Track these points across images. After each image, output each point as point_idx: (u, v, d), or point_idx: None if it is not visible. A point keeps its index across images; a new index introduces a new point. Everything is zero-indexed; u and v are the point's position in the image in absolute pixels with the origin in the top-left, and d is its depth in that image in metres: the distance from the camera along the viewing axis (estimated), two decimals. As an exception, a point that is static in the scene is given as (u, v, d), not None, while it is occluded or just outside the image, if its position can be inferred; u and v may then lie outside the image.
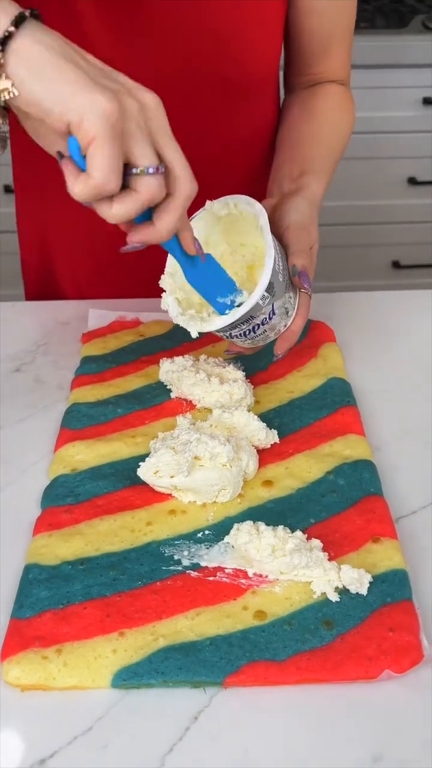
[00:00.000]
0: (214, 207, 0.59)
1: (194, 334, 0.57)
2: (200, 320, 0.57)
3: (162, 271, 0.73)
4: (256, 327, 0.57)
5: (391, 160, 1.91)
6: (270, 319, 0.57)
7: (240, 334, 0.58)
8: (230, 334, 0.58)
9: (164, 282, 0.59)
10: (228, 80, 0.73)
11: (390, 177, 1.93)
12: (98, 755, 0.42)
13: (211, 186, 0.79)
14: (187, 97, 0.73)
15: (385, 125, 1.86)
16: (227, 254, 0.62)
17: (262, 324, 0.57)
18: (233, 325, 0.56)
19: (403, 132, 1.88)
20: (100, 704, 0.44)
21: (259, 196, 0.85)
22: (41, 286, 0.90)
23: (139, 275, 0.84)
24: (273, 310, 0.56)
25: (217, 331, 0.57)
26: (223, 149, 0.79)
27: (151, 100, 0.46)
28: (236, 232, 0.61)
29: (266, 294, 0.55)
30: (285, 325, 0.60)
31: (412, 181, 1.93)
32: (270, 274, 0.54)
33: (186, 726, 0.43)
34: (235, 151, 0.80)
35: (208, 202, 0.59)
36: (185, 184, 0.47)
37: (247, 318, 0.56)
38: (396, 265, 2.02)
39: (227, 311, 0.56)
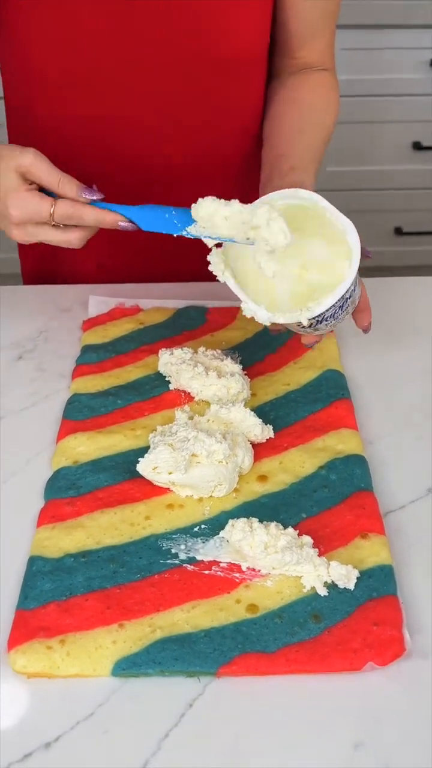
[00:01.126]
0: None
1: (305, 323, 0.57)
2: (302, 310, 0.57)
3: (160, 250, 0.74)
4: (345, 302, 0.58)
5: (396, 124, 1.88)
6: (354, 290, 0.58)
7: (332, 315, 0.58)
8: (324, 316, 0.57)
9: (226, 280, 0.59)
10: (216, 63, 0.73)
11: (394, 142, 1.90)
12: (99, 739, 0.45)
13: (202, 170, 0.80)
14: (175, 80, 0.73)
15: (389, 88, 1.83)
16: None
17: (349, 297, 0.58)
18: (333, 304, 0.56)
19: (409, 95, 1.85)
20: (101, 692, 0.47)
21: (252, 180, 0.85)
22: (37, 261, 0.91)
23: (139, 249, 0.85)
24: (355, 280, 0.58)
25: (321, 313, 0.57)
26: (213, 132, 0.78)
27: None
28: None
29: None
30: (359, 296, 0.61)
31: (417, 146, 1.90)
32: (358, 240, 0.56)
33: (181, 713, 0.46)
34: (225, 134, 0.79)
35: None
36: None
37: (348, 291, 0.56)
38: (398, 231, 2.01)
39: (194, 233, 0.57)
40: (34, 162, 0.60)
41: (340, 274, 0.57)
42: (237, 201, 0.56)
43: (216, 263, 0.59)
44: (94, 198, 0.60)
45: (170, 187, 0.80)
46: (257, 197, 0.77)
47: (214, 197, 0.57)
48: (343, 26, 1.60)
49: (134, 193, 0.80)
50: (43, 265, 0.90)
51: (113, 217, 0.60)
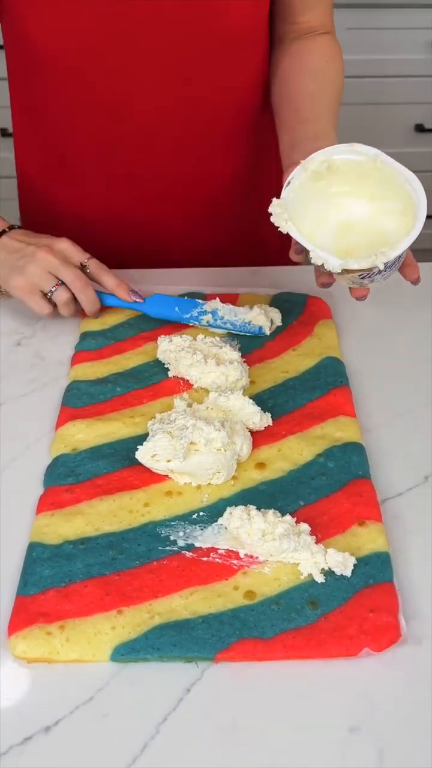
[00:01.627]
0: (310, 165, 0.60)
1: (381, 267, 0.57)
2: (377, 255, 0.57)
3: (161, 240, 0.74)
4: (401, 254, 0.59)
5: (398, 106, 1.86)
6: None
7: (387, 267, 0.58)
8: (384, 266, 0.58)
9: (289, 230, 0.59)
10: (216, 37, 0.73)
11: (396, 124, 1.88)
12: (98, 723, 0.46)
13: (204, 140, 0.79)
14: (176, 55, 0.73)
15: (391, 69, 1.81)
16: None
17: (402, 252, 0.59)
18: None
19: (411, 76, 1.83)
20: (101, 676, 0.48)
21: (252, 145, 0.84)
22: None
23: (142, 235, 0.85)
24: None
25: (397, 256, 0.57)
26: (215, 103, 0.78)
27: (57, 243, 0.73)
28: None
29: None
30: (405, 253, 0.61)
31: (419, 128, 1.89)
32: (422, 189, 0.57)
33: (179, 697, 0.47)
34: (226, 102, 0.79)
35: (302, 162, 0.60)
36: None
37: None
38: (400, 214, 2.00)
39: (197, 322, 0.68)
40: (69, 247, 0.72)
41: (408, 222, 0.57)
42: None
43: (278, 214, 0.59)
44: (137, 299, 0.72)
45: (174, 158, 0.80)
46: (262, 162, 0.78)
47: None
48: (345, 5, 1.58)
49: (138, 165, 0.80)
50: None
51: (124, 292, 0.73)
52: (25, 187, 0.89)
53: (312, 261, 0.59)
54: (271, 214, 0.59)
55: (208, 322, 0.71)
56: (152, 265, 0.85)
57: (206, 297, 0.76)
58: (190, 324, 0.72)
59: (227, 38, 0.73)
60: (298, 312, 0.74)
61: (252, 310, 0.71)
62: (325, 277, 0.63)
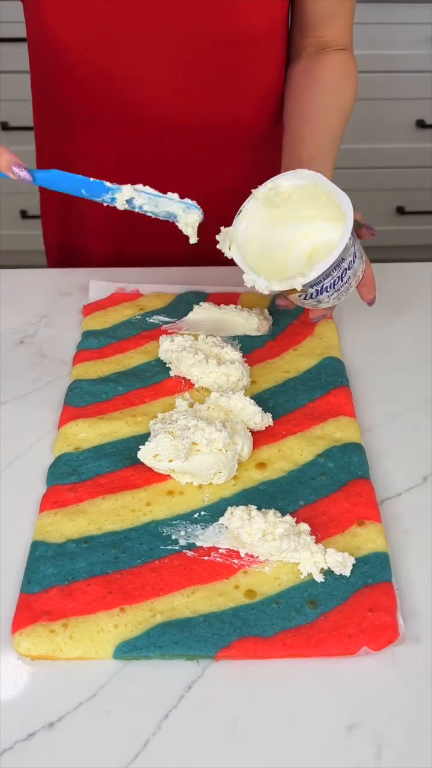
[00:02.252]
0: (260, 193, 0.62)
1: (299, 288, 0.59)
2: (297, 276, 0.58)
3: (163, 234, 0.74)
4: (344, 273, 0.60)
5: (399, 101, 1.86)
6: (354, 262, 0.60)
7: (331, 285, 0.60)
8: (322, 287, 0.59)
9: (233, 254, 0.62)
10: (233, 42, 0.73)
11: (397, 119, 1.88)
12: (101, 720, 0.46)
13: (217, 147, 0.80)
14: (192, 59, 0.73)
15: (392, 64, 1.80)
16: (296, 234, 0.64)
17: (348, 269, 0.60)
18: (327, 273, 0.58)
19: (413, 72, 1.82)
20: (103, 673, 0.49)
21: (264, 157, 0.85)
22: (57, 248, 0.92)
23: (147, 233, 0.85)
24: (355, 252, 0.60)
25: (314, 279, 0.58)
26: (228, 109, 0.78)
27: None
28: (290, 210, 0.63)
29: (351, 235, 0.58)
30: (362, 271, 0.63)
31: (421, 124, 1.88)
32: (352, 213, 0.58)
33: (181, 694, 0.48)
34: (240, 111, 0.79)
35: (253, 192, 0.62)
36: None
37: (339, 262, 0.58)
38: (400, 210, 2.00)
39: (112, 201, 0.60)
40: None
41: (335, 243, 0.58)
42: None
43: (222, 241, 0.62)
44: (23, 175, 0.58)
45: (182, 160, 0.80)
46: (276, 168, 0.78)
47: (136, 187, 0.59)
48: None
49: (150, 165, 0.80)
50: (62, 252, 0.92)
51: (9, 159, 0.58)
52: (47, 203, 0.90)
53: (245, 283, 0.61)
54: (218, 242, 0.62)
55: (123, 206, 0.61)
56: (153, 262, 0.86)
57: (207, 297, 0.77)
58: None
59: (243, 43, 0.73)
60: (299, 311, 0.75)
61: (173, 200, 0.61)
62: (282, 299, 0.66)
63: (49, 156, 0.86)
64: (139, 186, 0.60)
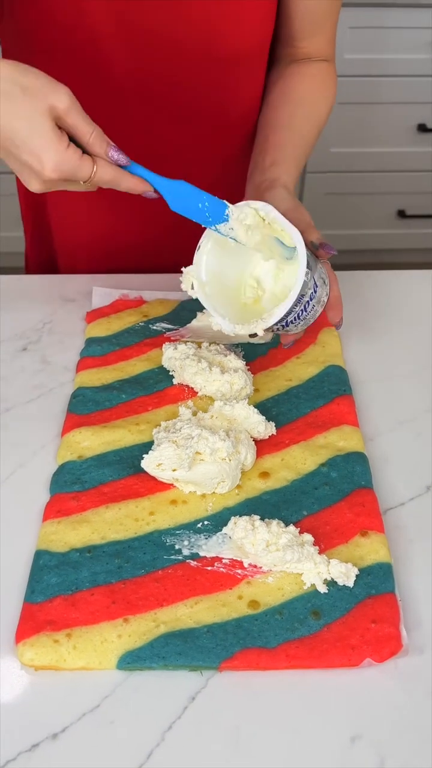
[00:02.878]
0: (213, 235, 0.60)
1: (261, 333, 0.58)
2: (258, 321, 0.58)
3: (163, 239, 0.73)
4: (307, 305, 0.59)
5: (400, 105, 1.86)
6: (315, 292, 0.59)
7: (294, 318, 0.59)
8: (286, 322, 0.59)
9: (196, 294, 0.60)
10: (219, 59, 0.73)
11: (398, 123, 1.88)
12: (105, 730, 0.47)
13: (200, 161, 0.80)
14: (177, 74, 0.73)
15: (393, 68, 1.81)
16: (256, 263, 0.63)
17: (311, 299, 0.59)
18: (289, 311, 0.58)
19: (414, 76, 1.83)
20: (107, 684, 0.49)
21: (245, 170, 0.84)
22: (39, 238, 0.91)
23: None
24: (315, 282, 0.59)
25: (275, 323, 0.58)
26: (211, 124, 0.78)
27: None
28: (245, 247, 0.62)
29: (307, 269, 0.57)
30: (326, 294, 0.62)
31: (422, 128, 1.89)
32: (304, 250, 0.57)
33: (184, 705, 0.48)
34: (222, 127, 0.79)
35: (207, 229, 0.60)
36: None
37: (299, 298, 0.57)
38: (401, 214, 2.00)
39: (222, 232, 0.59)
40: (71, 106, 0.53)
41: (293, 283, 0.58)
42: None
43: (186, 281, 0.60)
44: (122, 163, 0.56)
45: (168, 170, 0.80)
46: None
47: (262, 208, 0.58)
48: (348, 4, 1.58)
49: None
50: (42, 254, 0.91)
51: (143, 188, 0.58)
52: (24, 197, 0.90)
53: (212, 325, 0.60)
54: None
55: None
56: (148, 269, 0.86)
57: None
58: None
59: (229, 61, 0.73)
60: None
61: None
62: (285, 338, 0.65)
63: None
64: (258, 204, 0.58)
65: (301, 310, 0.59)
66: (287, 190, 0.65)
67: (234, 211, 0.59)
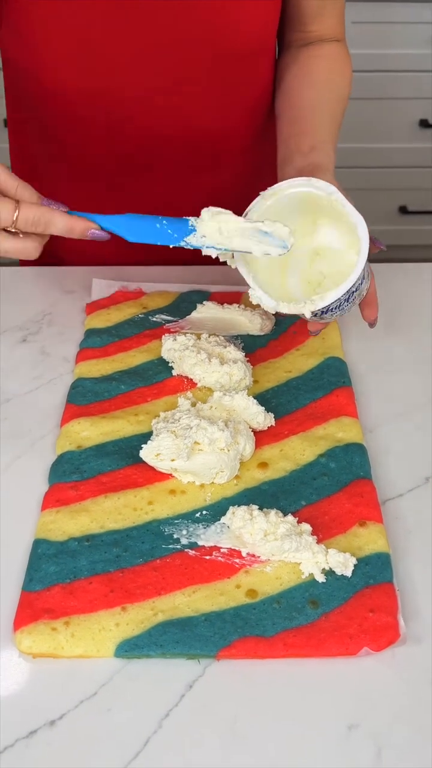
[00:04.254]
0: (267, 194, 0.59)
1: (308, 315, 0.57)
2: (307, 303, 0.57)
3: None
4: (351, 295, 0.58)
5: (402, 100, 1.86)
6: (362, 283, 0.58)
7: (336, 307, 0.58)
8: (328, 308, 0.58)
9: (236, 263, 0.59)
10: (224, 46, 0.72)
11: (400, 119, 1.88)
12: (102, 718, 0.47)
13: (210, 152, 0.79)
14: (183, 63, 0.72)
15: (394, 64, 1.80)
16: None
17: (355, 290, 0.58)
18: (338, 298, 0.56)
19: (416, 71, 1.82)
20: (105, 672, 0.49)
21: (259, 161, 0.84)
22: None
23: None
24: (364, 273, 0.58)
25: (323, 307, 0.57)
26: (221, 115, 0.78)
27: None
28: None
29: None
30: (367, 289, 0.61)
31: (424, 124, 1.88)
32: (368, 236, 0.56)
33: (182, 693, 0.48)
34: (233, 116, 0.79)
35: (261, 194, 0.60)
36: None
37: (354, 285, 0.56)
38: (403, 210, 2.00)
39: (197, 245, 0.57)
40: (6, 177, 0.55)
41: (348, 267, 0.57)
42: (231, 213, 0.56)
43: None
44: (58, 208, 0.55)
45: (178, 168, 0.80)
46: (267, 174, 0.76)
47: (215, 209, 0.56)
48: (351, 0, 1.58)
49: (143, 176, 0.80)
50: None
51: (84, 225, 0.56)
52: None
53: (250, 298, 0.59)
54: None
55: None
56: (154, 262, 0.86)
57: (210, 296, 0.77)
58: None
59: (236, 53, 0.73)
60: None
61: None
62: (313, 326, 0.64)
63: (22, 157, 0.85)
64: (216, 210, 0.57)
65: (344, 299, 0.58)
66: (332, 175, 0.65)
67: (204, 216, 0.57)
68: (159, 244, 0.57)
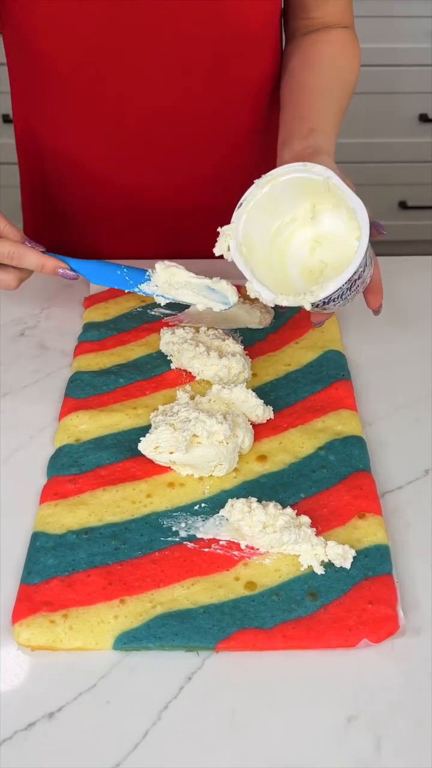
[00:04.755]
0: (263, 181, 0.59)
1: (308, 307, 0.57)
2: (306, 294, 0.56)
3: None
4: (353, 283, 0.56)
5: (401, 95, 1.85)
6: (364, 271, 0.57)
7: (338, 296, 0.57)
8: (330, 298, 0.57)
9: (232, 256, 0.59)
10: (227, 30, 0.72)
11: (400, 114, 1.88)
12: (101, 710, 0.46)
13: (213, 136, 0.79)
14: (186, 48, 0.72)
15: (395, 58, 1.80)
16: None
17: (358, 278, 0.57)
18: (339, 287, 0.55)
19: (416, 65, 1.82)
20: (103, 664, 0.49)
21: (262, 147, 0.84)
22: (40, 222, 0.91)
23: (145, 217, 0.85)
24: (367, 260, 0.57)
25: (323, 298, 0.56)
26: (224, 100, 0.78)
27: None
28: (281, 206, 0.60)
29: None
30: (370, 276, 0.59)
31: (423, 119, 1.88)
32: (368, 222, 0.55)
33: (180, 685, 0.48)
34: (236, 101, 0.78)
35: (256, 182, 0.59)
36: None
37: (356, 274, 0.55)
38: (403, 205, 1.99)
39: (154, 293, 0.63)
40: None
41: (350, 255, 0.56)
42: (184, 269, 0.62)
43: (222, 242, 0.59)
44: (34, 247, 0.62)
45: (183, 153, 0.79)
46: (271, 161, 0.76)
47: (168, 262, 0.62)
48: (351, -6, 1.57)
49: (147, 163, 0.80)
50: (44, 226, 0.91)
51: (54, 263, 0.62)
52: (27, 186, 0.89)
53: (248, 292, 0.58)
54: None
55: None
56: (156, 254, 0.85)
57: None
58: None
59: (239, 38, 0.72)
60: (301, 305, 0.74)
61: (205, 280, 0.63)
62: (316, 317, 0.64)
63: (32, 157, 0.85)
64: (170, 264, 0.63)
65: (347, 288, 0.56)
66: (331, 159, 0.64)
67: (157, 268, 0.63)
68: (117, 288, 0.65)
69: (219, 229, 0.59)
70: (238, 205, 0.59)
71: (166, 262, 0.63)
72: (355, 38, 0.79)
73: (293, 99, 0.73)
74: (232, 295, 0.62)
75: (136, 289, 0.63)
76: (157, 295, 0.63)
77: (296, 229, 0.59)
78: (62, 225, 0.87)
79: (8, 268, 0.63)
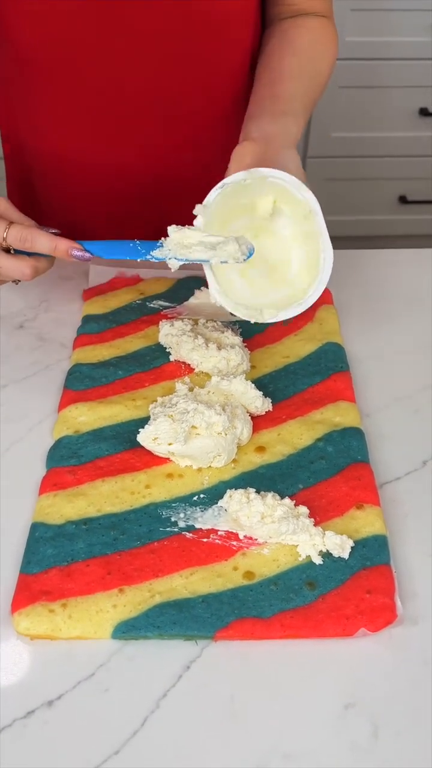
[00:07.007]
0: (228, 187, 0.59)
1: (269, 321, 0.60)
2: (260, 311, 0.59)
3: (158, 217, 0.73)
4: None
5: (401, 89, 1.85)
6: None
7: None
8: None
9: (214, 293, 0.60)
10: (205, 24, 0.72)
11: (400, 107, 1.87)
12: (100, 698, 0.47)
13: (193, 116, 0.79)
14: (162, 41, 0.72)
15: (394, 52, 1.79)
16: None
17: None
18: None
19: (416, 59, 1.81)
20: (102, 653, 0.49)
21: (237, 133, 0.84)
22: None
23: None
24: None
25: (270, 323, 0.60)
26: (203, 81, 0.77)
27: None
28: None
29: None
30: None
31: (423, 112, 1.87)
32: (323, 222, 0.58)
33: (179, 674, 0.48)
34: (215, 83, 0.78)
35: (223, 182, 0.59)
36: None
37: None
38: (403, 200, 1.99)
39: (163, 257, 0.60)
40: (7, 207, 0.61)
41: (306, 288, 0.59)
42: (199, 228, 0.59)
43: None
44: (47, 230, 0.61)
45: (163, 140, 0.79)
46: None
47: (178, 226, 0.59)
48: (350, -13, 1.57)
49: (130, 148, 0.79)
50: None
51: (67, 244, 0.60)
52: (14, 178, 0.89)
53: (210, 298, 0.60)
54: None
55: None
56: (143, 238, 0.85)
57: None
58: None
59: (216, 22, 0.72)
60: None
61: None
62: None
63: (18, 153, 0.84)
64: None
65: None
66: (295, 152, 0.65)
67: (169, 233, 0.59)
68: (128, 258, 0.62)
69: (195, 212, 0.59)
70: (201, 206, 0.60)
71: (176, 226, 0.60)
72: (333, 29, 0.79)
73: (268, 77, 0.73)
74: (243, 253, 0.59)
75: (149, 257, 0.60)
76: (169, 259, 0.60)
77: (287, 230, 0.61)
78: (48, 215, 0.87)
79: (22, 256, 0.61)
